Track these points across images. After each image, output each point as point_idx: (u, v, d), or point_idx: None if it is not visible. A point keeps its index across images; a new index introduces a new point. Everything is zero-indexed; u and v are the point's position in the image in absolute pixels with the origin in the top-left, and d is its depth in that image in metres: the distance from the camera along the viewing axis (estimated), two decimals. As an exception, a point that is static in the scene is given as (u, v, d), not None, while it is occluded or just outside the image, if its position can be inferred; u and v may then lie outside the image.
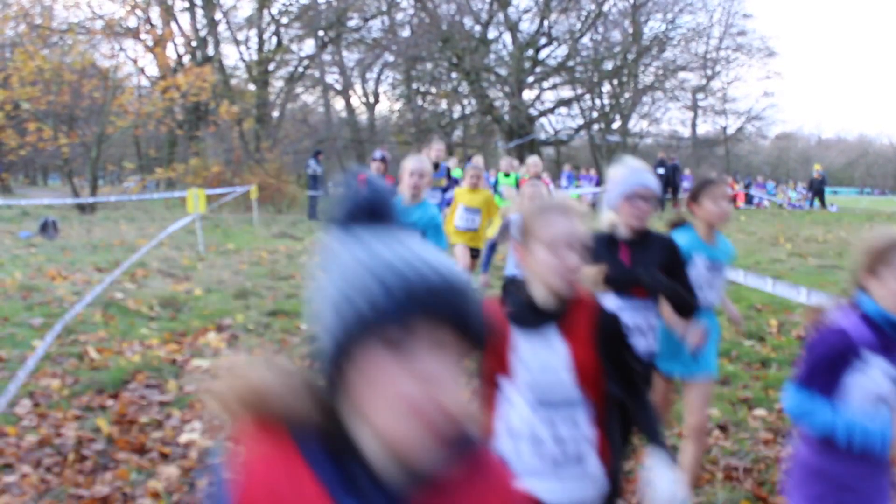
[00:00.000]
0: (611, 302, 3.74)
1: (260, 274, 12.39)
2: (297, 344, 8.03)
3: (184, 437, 5.37)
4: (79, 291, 10.24)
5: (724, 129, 46.19)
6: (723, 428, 5.75)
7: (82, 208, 24.42)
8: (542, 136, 43.43)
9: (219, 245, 16.22)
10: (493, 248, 7.81)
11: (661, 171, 29.96)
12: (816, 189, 37.71)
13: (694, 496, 4.57)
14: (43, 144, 25.84)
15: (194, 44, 38.71)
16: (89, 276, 11.76)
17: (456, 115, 44.96)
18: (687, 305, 4.03)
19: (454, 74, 41.46)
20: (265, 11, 38.39)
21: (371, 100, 46.34)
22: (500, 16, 41.29)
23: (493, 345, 2.63)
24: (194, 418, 5.81)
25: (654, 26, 42.31)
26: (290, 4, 39.38)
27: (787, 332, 8.66)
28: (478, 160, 11.26)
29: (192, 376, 6.82)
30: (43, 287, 10.48)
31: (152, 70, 37.33)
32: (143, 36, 34.04)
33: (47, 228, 17.09)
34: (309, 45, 42.04)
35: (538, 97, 43.93)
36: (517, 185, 13.44)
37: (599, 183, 32.34)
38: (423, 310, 1.17)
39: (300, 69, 42.68)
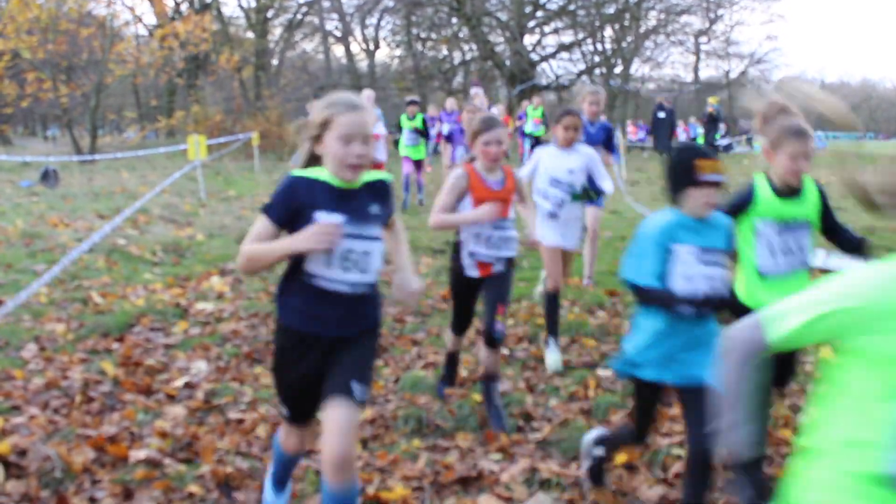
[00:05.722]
0: None
1: (262, 220, 12.36)
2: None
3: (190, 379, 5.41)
4: (81, 238, 10.25)
5: (727, 73, 45.79)
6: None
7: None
8: (544, 82, 43.08)
9: (220, 192, 16.20)
10: None
11: (661, 115, 29.70)
12: (706, 128, 31.12)
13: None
14: (44, 95, 25.65)
15: (191, -10, 38.26)
16: (91, 223, 11.76)
17: (457, 61, 44.58)
18: None
19: (454, 20, 40.99)
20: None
21: (371, 46, 45.95)
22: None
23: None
24: (200, 360, 5.85)
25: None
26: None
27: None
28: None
29: (196, 319, 6.86)
30: (45, 234, 10.50)
31: (150, 18, 37.00)
32: (138, -18, 33.67)
33: (48, 177, 17.03)
34: (308, -9, 41.59)
35: (539, 42, 43.46)
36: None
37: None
38: None
39: (299, 16, 42.24)
